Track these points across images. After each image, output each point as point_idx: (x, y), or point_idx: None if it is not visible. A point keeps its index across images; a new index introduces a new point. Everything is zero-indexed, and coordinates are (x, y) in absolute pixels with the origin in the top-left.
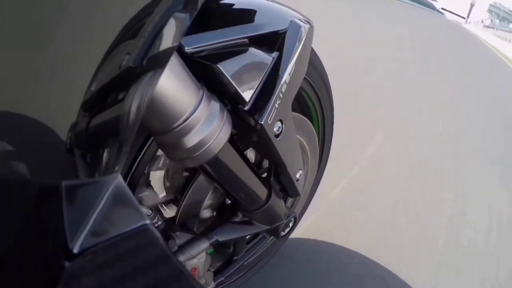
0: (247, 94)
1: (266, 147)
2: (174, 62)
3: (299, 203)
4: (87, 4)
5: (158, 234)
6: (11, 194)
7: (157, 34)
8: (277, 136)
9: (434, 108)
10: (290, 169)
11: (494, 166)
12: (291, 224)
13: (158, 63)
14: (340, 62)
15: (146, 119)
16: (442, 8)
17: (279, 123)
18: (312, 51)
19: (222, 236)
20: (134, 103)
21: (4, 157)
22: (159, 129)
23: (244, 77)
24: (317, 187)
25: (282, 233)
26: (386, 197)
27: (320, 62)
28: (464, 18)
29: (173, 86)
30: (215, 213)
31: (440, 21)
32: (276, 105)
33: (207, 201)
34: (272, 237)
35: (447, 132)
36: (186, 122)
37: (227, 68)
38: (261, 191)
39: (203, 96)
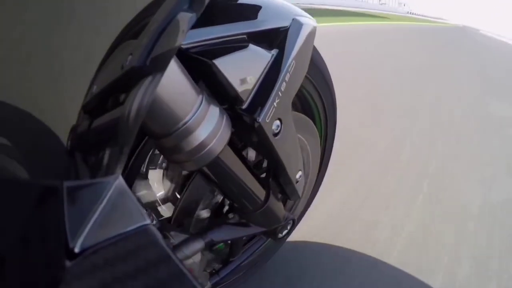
0: (245, 92)
1: (264, 147)
2: (173, 65)
3: (299, 205)
4: (87, 4)
5: (159, 235)
6: (12, 194)
7: (161, 33)
8: (275, 135)
9: None
10: (289, 169)
11: None
12: (289, 227)
13: (160, 64)
14: None
15: (146, 123)
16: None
17: (277, 122)
18: (315, 50)
19: (218, 237)
20: (133, 106)
21: (6, 158)
22: (159, 133)
23: (241, 74)
24: (318, 190)
25: (280, 235)
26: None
27: (323, 61)
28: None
29: (172, 90)
30: (211, 214)
31: None
32: (275, 103)
33: (204, 202)
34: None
35: None
36: (186, 125)
37: (223, 65)
38: (260, 193)
39: (202, 99)
